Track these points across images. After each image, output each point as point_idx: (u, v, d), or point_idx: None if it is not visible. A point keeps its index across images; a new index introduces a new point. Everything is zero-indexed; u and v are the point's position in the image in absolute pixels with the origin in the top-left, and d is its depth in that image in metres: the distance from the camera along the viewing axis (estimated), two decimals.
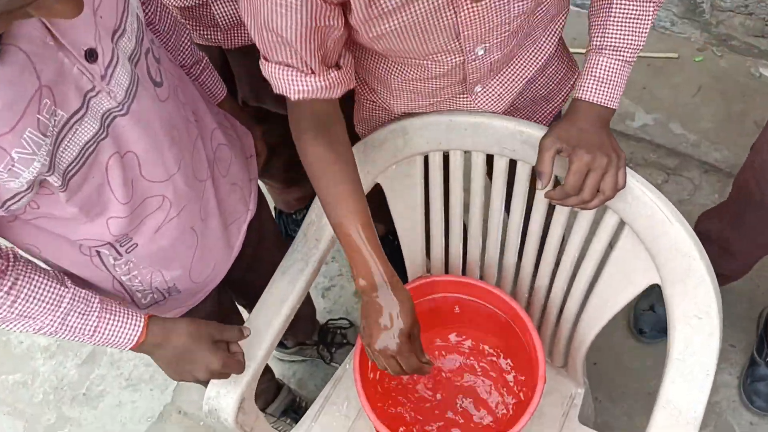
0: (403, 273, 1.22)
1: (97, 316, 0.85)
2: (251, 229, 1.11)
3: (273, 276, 1.10)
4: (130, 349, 0.89)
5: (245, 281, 1.20)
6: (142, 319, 0.88)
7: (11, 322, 0.81)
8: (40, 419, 1.75)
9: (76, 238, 0.85)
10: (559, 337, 1.18)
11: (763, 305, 1.64)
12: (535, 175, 0.96)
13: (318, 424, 1.20)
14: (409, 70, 0.94)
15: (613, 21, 0.92)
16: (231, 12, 1.13)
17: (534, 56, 1.00)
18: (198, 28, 1.17)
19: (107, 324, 0.86)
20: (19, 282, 0.79)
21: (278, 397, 1.52)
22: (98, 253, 0.89)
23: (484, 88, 1.00)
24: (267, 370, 1.47)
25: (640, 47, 0.93)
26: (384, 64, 0.96)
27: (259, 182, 1.21)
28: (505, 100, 1.03)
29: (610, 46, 0.92)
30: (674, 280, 0.97)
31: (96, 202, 0.80)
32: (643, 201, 0.97)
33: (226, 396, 1.02)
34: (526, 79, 1.02)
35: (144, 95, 0.79)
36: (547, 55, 1.01)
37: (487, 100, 1.02)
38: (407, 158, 1.09)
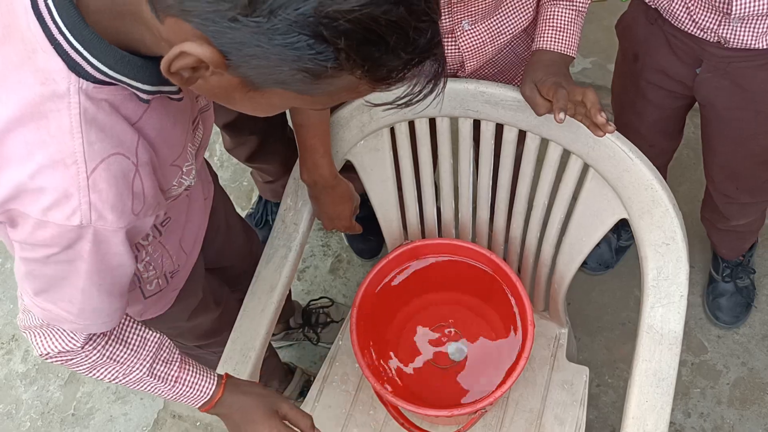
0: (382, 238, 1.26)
1: (178, 367, 0.86)
2: (218, 215, 1.12)
3: (258, 266, 1.11)
4: (204, 409, 0.89)
5: (220, 266, 1.24)
6: (217, 377, 0.89)
7: (101, 368, 0.82)
8: None
9: None
10: (538, 281, 1.23)
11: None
12: (499, 134, 1.00)
13: (320, 405, 1.22)
14: None
15: None
16: None
17: (520, 11, 1.04)
18: None
19: (188, 375, 0.87)
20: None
21: (293, 380, 1.55)
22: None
23: (472, 26, 1.02)
24: (273, 354, 1.49)
25: None
26: None
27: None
28: (488, 49, 1.06)
29: None
30: (641, 212, 1.03)
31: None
32: (604, 143, 1.01)
33: None
34: (512, 34, 1.05)
35: None
36: (531, 10, 1.04)
37: (472, 43, 1.04)
38: (374, 132, 1.11)
